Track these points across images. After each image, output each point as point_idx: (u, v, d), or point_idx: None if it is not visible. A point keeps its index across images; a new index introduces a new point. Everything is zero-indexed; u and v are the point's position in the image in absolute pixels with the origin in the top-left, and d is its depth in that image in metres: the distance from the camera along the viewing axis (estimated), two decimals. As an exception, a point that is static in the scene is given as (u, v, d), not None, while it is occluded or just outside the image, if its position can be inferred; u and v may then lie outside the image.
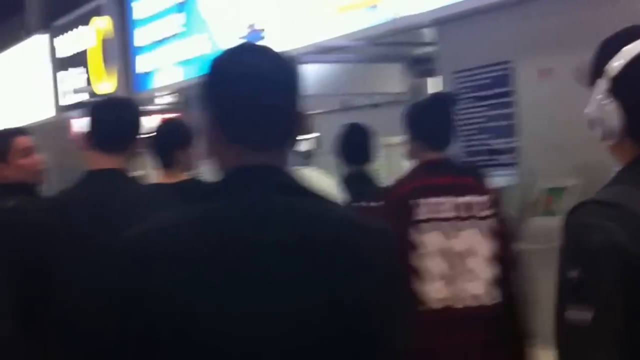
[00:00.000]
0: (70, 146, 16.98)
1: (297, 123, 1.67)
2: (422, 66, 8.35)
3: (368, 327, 1.53)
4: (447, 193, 3.56)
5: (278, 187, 1.60)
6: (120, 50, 13.07)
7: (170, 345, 1.47)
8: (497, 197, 3.66)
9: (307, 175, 2.54)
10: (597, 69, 1.75)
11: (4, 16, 19.46)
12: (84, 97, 13.84)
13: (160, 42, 11.75)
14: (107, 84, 13.50)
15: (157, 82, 12.01)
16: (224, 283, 1.48)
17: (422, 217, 3.47)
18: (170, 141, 4.44)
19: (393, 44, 8.17)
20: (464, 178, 3.65)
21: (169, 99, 13.18)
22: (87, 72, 14.15)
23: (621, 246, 1.54)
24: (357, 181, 4.65)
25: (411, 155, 3.66)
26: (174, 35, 11.37)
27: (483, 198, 3.61)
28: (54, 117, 15.71)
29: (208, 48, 10.51)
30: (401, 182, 3.61)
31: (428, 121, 3.62)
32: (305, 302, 1.49)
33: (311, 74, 8.02)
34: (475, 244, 3.58)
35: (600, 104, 1.69)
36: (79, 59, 14.50)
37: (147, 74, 12.22)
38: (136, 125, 3.17)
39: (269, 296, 1.49)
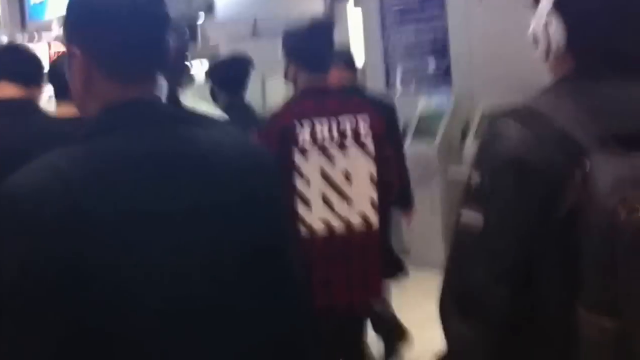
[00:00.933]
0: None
1: (168, 53, 1.67)
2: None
3: (270, 241, 1.63)
4: (329, 117, 3.59)
5: (169, 118, 1.61)
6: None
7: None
8: (380, 121, 3.73)
9: (187, 102, 2.71)
10: None
11: None
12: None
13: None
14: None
15: (50, 12, 11.17)
16: (137, 225, 1.50)
17: (304, 142, 3.52)
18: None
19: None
20: (347, 102, 3.71)
21: (59, 31, 12.34)
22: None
23: (523, 158, 1.50)
24: (237, 110, 4.57)
25: (292, 80, 3.70)
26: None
27: (366, 122, 3.66)
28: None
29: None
30: (284, 109, 3.62)
31: (308, 45, 3.62)
32: (212, 229, 1.56)
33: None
34: (357, 168, 3.62)
35: (543, 20, 1.65)
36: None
37: (41, 4, 11.34)
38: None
39: (184, 227, 1.54)
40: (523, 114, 1.54)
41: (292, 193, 3.46)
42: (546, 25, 1.63)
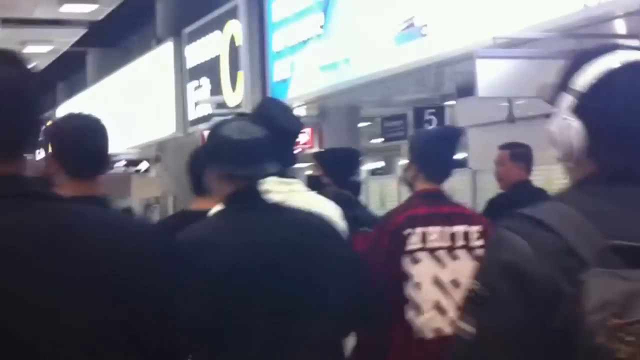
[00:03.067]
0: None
1: (36, 129, 1.76)
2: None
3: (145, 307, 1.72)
4: (441, 222, 3.70)
5: (31, 195, 1.69)
6: (253, 56, 11.99)
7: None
8: (489, 227, 3.76)
9: (307, 201, 2.83)
10: (564, 83, 1.63)
11: (134, 26, 18.84)
12: (214, 109, 12.79)
13: (298, 45, 10.58)
14: (236, 95, 12.45)
15: (293, 91, 10.83)
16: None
17: (415, 246, 3.61)
18: None
19: (587, 37, 6.72)
20: (458, 207, 3.83)
21: (301, 111, 12.03)
22: (216, 81, 13.14)
23: (521, 268, 1.49)
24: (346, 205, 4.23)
25: (409, 182, 3.82)
26: (312, 38, 10.18)
27: (477, 227, 3.77)
28: (181, 131, 14.78)
29: (352, 51, 9.28)
30: (397, 211, 3.76)
31: (434, 153, 3.72)
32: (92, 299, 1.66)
33: (485, 74, 6.64)
34: (469, 273, 3.17)
35: (563, 121, 1.61)
36: (208, 68, 13.54)
37: (283, 82, 11.05)
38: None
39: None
40: (526, 226, 1.53)
41: (401, 297, 3.54)
42: (567, 127, 1.60)
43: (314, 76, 10.25)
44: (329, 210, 3.03)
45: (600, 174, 1.59)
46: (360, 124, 12.57)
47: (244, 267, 2.48)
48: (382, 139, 12.00)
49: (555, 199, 1.61)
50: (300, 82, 10.62)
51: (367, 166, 16.62)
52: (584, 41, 6.82)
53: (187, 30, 14.45)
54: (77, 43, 20.03)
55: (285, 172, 2.91)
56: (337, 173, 4.87)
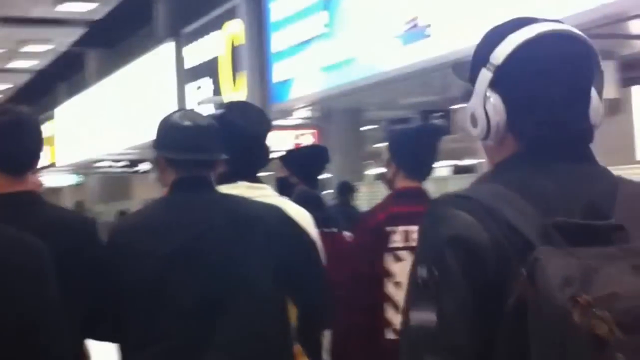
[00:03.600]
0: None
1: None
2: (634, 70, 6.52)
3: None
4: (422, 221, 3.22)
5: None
6: (253, 57, 11.65)
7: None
8: None
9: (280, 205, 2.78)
10: (480, 60, 1.57)
11: (134, 27, 18.53)
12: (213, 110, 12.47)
13: (299, 46, 10.24)
14: (237, 95, 12.12)
15: (294, 92, 10.48)
16: None
17: (398, 244, 3.53)
18: None
19: (603, 37, 6.38)
20: None
21: (303, 112, 11.69)
22: (217, 82, 12.82)
23: (469, 237, 1.44)
24: (316, 205, 4.26)
25: (389, 180, 3.72)
26: (314, 38, 9.84)
27: None
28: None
29: (356, 51, 8.95)
30: (377, 209, 3.69)
31: (414, 150, 3.63)
32: None
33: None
34: None
35: (483, 97, 1.54)
36: (208, 69, 13.22)
37: (283, 82, 10.70)
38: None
39: None
40: (466, 204, 1.46)
41: (382, 295, 3.48)
42: (484, 103, 1.55)
43: (316, 77, 9.91)
44: (300, 216, 2.98)
45: (525, 150, 1.55)
46: (365, 127, 12.21)
47: (161, 255, 2.48)
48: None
49: (483, 179, 1.58)
50: (302, 83, 10.27)
51: (372, 171, 16.28)
52: (598, 42, 6.49)
53: (186, 30, 14.13)
54: (76, 43, 19.74)
55: (255, 176, 2.93)
56: (305, 172, 4.81)
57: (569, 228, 1.43)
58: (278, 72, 10.86)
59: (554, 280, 1.36)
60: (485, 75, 1.55)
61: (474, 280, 1.44)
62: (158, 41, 15.60)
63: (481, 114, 1.56)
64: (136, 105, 16.83)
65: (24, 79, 25.08)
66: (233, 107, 3.04)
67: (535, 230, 1.43)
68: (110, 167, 18.75)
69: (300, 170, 4.83)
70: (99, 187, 23.32)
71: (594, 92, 1.57)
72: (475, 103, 1.57)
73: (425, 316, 1.46)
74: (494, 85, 1.54)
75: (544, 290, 1.35)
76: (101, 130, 19.26)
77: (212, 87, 13.34)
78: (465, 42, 7.23)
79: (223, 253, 2.50)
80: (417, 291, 1.49)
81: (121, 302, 2.51)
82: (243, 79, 12.01)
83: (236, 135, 2.76)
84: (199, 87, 13.74)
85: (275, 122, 12.66)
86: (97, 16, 17.02)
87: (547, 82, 1.53)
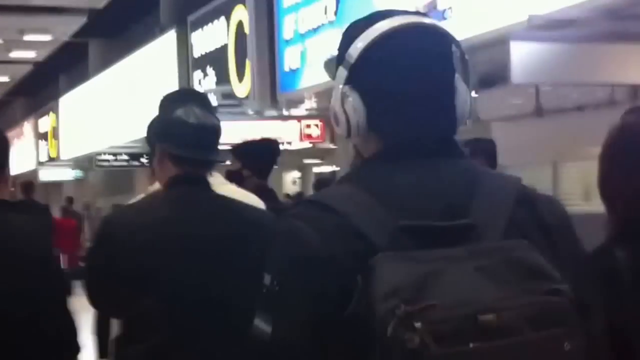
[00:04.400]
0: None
1: None
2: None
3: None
4: None
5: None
6: (260, 44, 11.26)
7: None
8: None
9: (231, 194, 2.81)
10: (340, 56, 1.56)
11: (138, 14, 18.15)
12: (220, 100, 12.07)
13: (310, 32, 9.86)
14: (244, 85, 11.75)
15: (305, 81, 10.10)
16: None
17: None
18: None
19: (634, 18, 6.00)
20: None
21: (310, 103, 11.31)
22: (223, 71, 12.44)
23: (311, 256, 1.45)
24: (268, 198, 4.29)
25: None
26: (325, 24, 9.46)
27: None
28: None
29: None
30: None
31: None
32: None
33: (520, 58, 5.94)
34: None
35: (341, 95, 1.53)
36: (214, 57, 12.85)
37: (294, 71, 10.32)
38: None
39: None
40: (312, 212, 1.49)
41: None
42: (343, 102, 1.53)
43: (327, 65, 9.54)
44: (253, 200, 3.03)
45: (386, 149, 1.53)
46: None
47: (163, 250, 2.47)
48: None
49: (344, 179, 1.56)
50: (312, 71, 9.90)
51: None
52: (629, 23, 6.11)
53: (192, 17, 13.75)
54: (78, 33, 19.37)
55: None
56: (257, 165, 4.86)
57: (417, 230, 1.42)
58: (288, 61, 10.47)
59: (379, 290, 1.34)
60: (342, 73, 1.53)
61: (314, 296, 1.43)
62: (162, 29, 15.22)
63: (341, 113, 1.53)
64: (140, 95, 16.47)
65: (23, 70, 24.73)
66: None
67: (386, 234, 1.41)
68: (113, 160, 18.38)
69: (253, 163, 4.84)
70: (101, 181, 22.97)
71: (460, 84, 1.54)
72: (335, 102, 1.55)
73: (263, 327, 1.47)
74: (351, 83, 1.52)
75: (370, 301, 1.35)
76: (104, 123, 18.91)
77: (215, 77, 12.97)
78: (488, 26, 6.87)
79: (223, 251, 2.50)
80: (262, 298, 1.49)
81: (119, 294, 2.49)
82: (249, 68, 11.64)
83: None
84: (205, 76, 13.36)
85: (282, 113, 12.37)
86: (100, 4, 16.65)
87: (403, 77, 1.50)
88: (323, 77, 9.65)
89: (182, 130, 2.53)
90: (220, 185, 2.91)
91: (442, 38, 1.54)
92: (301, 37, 10.08)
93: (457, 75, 1.55)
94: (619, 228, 1.91)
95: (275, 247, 1.51)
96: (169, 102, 2.66)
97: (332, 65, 1.59)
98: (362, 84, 1.52)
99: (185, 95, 2.83)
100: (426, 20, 1.55)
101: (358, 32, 1.54)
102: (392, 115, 1.52)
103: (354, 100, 1.52)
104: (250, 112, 11.64)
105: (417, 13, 1.58)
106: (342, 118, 1.54)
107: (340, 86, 1.53)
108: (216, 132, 2.59)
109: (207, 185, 2.61)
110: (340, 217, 1.45)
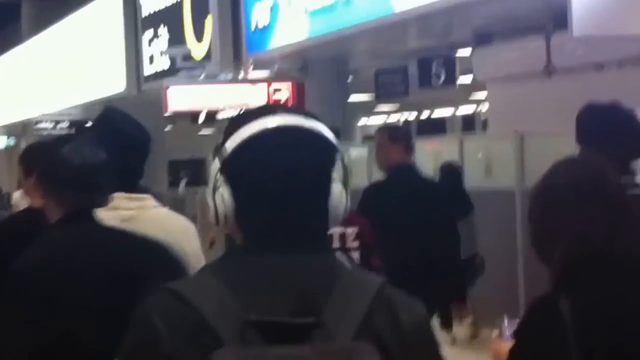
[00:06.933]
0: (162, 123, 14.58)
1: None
2: None
3: None
4: None
5: None
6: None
7: None
8: (366, 227, 4.04)
9: (157, 218, 2.92)
10: (219, 146, 1.63)
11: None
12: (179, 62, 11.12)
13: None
14: (202, 46, 10.84)
15: (276, 40, 9.23)
16: None
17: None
18: None
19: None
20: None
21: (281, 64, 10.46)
22: (177, 30, 11.50)
23: (155, 345, 1.51)
24: None
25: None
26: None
27: (353, 229, 3.96)
28: (134, 88, 13.13)
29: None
30: None
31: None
32: None
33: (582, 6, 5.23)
34: None
35: (213, 185, 1.61)
36: (165, 16, 11.90)
37: (263, 29, 9.43)
38: None
39: None
40: (165, 301, 1.53)
41: None
42: (214, 191, 1.61)
43: (302, 23, 8.68)
44: (181, 226, 3.00)
45: (247, 243, 1.60)
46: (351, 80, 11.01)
47: (71, 302, 2.44)
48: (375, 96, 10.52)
49: (207, 269, 1.62)
50: (285, 29, 9.03)
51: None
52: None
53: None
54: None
55: (135, 185, 2.89)
56: None
57: (264, 326, 1.48)
58: (256, 18, 9.57)
59: None
60: (216, 164, 1.60)
61: None
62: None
63: (211, 202, 1.61)
64: (81, 59, 15.42)
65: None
66: (114, 115, 3.01)
67: (233, 328, 1.47)
68: (52, 128, 17.30)
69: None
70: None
71: (336, 186, 1.59)
72: (208, 191, 1.62)
73: None
74: (224, 175, 1.59)
75: None
76: (40, 88, 17.83)
77: (168, 36, 12.03)
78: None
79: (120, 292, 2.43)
80: None
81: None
82: (209, 26, 10.71)
83: (115, 141, 2.73)
84: (155, 37, 12.40)
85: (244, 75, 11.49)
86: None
87: (271, 178, 1.56)
88: (298, 35, 8.87)
89: (67, 172, 2.54)
90: (146, 209, 2.89)
91: (319, 141, 1.59)
92: (272, -8, 9.20)
93: (333, 177, 1.59)
94: (559, 277, 1.97)
95: (127, 333, 1.57)
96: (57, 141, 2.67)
97: (213, 151, 1.65)
98: (232, 178, 1.58)
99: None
100: (307, 123, 1.59)
101: (237, 126, 1.60)
102: (257, 211, 1.58)
103: (223, 192, 1.59)
104: (215, 75, 10.74)
105: (302, 112, 1.62)
106: (212, 207, 1.61)
107: (214, 177, 1.60)
108: (101, 169, 2.57)
109: (94, 220, 2.57)
110: (190, 307, 1.50)
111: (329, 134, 1.60)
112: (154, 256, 2.56)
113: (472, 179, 6.67)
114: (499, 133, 7.71)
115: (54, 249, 2.56)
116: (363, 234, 3.91)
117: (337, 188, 1.59)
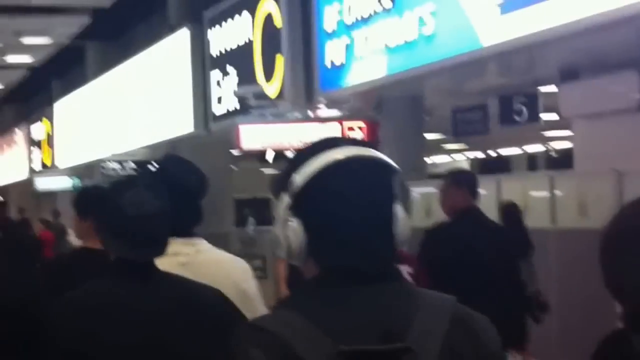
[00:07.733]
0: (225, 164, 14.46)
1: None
2: None
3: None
4: None
5: None
6: (294, 38, 10.21)
7: None
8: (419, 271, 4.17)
9: (214, 260, 2.96)
10: (283, 181, 1.66)
11: (142, 15, 17.03)
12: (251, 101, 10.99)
13: (359, 23, 8.81)
14: (273, 85, 10.70)
15: (352, 78, 9.05)
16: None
17: None
18: None
19: None
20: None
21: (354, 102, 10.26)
22: (248, 69, 11.38)
23: None
24: None
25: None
26: (379, 13, 8.42)
27: (406, 267, 4.11)
28: (201, 128, 13.02)
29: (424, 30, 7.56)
30: None
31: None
32: None
33: None
34: None
35: (283, 220, 1.64)
36: (237, 55, 11.79)
37: (338, 67, 9.26)
38: None
39: None
40: (255, 336, 1.55)
41: None
42: (285, 226, 1.62)
43: (380, 59, 8.48)
44: (238, 267, 2.98)
45: (322, 275, 1.60)
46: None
47: (122, 345, 2.44)
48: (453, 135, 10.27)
49: (282, 305, 1.62)
50: (361, 67, 8.84)
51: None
52: None
53: (209, 13, 12.68)
54: (78, 34, 18.24)
55: (191, 231, 2.90)
56: None
57: (355, 355, 1.49)
58: (330, 56, 9.40)
59: None
60: (284, 199, 1.62)
61: None
62: (172, 28, 14.14)
63: (283, 237, 1.63)
64: (147, 99, 15.39)
65: (17, 75, 23.60)
66: (171, 161, 3.04)
67: (321, 357, 1.49)
68: (122, 169, 17.29)
69: None
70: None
71: (398, 209, 1.62)
72: (277, 226, 1.64)
73: None
74: (294, 209, 1.61)
75: None
76: (105, 129, 17.85)
77: (237, 75, 11.92)
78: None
79: (176, 340, 2.49)
80: None
81: None
82: (280, 65, 10.58)
83: (170, 188, 2.69)
84: (225, 76, 12.30)
85: (315, 114, 11.33)
86: (105, 4, 15.54)
87: (344, 209, 1.59)
88: (375, 73, 8.68)
89: (121, 224, 2.50)
90: (202, 252, 2.90)
91: (383, 169, 1.63)
92: (347, 28, 9.02)
93: (396, 204, 1.62)
94: (632, 317, 1.89)
95: None
96: (115, 188, 2.62)
97: (276, 185, 1.65)
98: (304, 212, 1.60)
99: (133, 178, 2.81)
100: (369, 152, 1.62)
101: (303, 160, 1.61)
102: (330, 243, 1.60)
103: (295, 227, 1.61)
104: (284, 113, 10.59)
105: (362, 143, 1.65)
106: (284, 242, 1.63)
107: (283, 211, 1.62)
108: (158, 220, 2.52)
109: (153, 269, 2.56)
110: (281, 342, 1.51)
111: (388, 159, 1.63)
112: (209, 306, 2.56)
113: (565, 218, 6.43)
114: (590, 171, 7.40)
115: (96, 299, 2.53)
116: (417, 275, 3.96)
117: (401, 211, 1.63)
